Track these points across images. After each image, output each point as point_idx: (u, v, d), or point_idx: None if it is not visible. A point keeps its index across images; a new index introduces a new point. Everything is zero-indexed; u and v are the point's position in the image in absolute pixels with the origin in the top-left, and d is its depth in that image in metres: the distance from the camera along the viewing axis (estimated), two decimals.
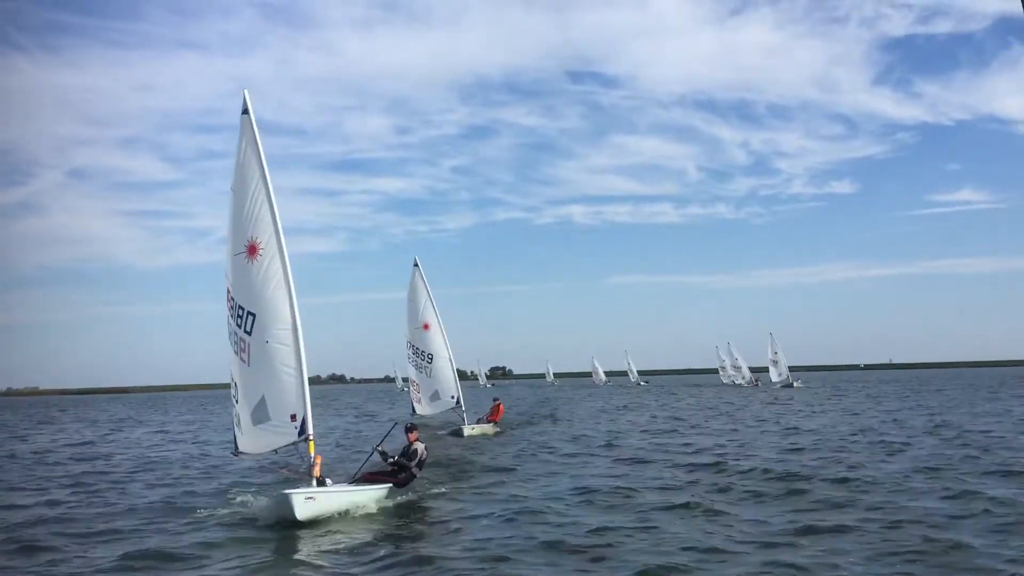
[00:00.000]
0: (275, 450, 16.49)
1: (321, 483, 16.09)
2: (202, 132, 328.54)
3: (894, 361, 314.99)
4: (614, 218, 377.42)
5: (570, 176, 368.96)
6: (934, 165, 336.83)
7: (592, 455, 25.78)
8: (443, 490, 18.95)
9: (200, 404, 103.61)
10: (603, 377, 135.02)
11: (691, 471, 21.05)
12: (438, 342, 35.59)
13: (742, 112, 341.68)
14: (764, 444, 27.51)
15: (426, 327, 35.65)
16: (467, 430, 33.93)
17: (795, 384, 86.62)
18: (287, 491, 15.08)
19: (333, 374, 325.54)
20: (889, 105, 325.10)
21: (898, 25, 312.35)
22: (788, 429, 33.77)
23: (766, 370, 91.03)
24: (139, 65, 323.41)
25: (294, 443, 15.96)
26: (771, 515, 14.91)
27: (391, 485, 17.43)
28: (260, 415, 16.29)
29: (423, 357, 35.75)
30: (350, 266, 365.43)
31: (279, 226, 15.98)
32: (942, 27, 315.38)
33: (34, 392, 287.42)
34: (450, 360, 35.54)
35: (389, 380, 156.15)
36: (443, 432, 35.10)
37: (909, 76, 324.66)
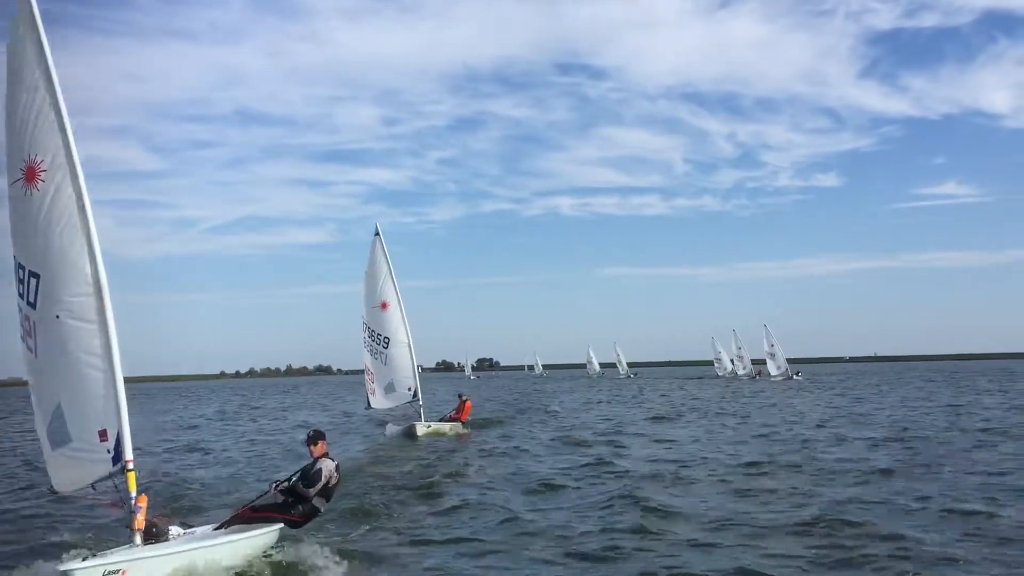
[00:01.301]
0: (91, 486, 10.50)
1: (153, 535, 10.18)
2: (189, 122, 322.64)
3: (878, 354, 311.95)
4: (601, 210, 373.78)
5: (558, 168, 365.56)
6: (919, 159, 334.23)
7: (573, 469, 20.02)
8: (343, 539, 12.34)
9: (193, 395, 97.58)
10: (597, 368, 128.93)
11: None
12: (396, 324, 29.73)
13: (729, 105, 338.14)
14: None
15: (384, 306, 29.77)
16: (421, 428, 28.42)
17: (795, 376, 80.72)
18: (69, 567, 8.95)
19: (320, 365, 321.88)
20: (875, 99, 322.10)
21: (885, 19, 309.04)
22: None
23: (764, 362, 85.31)
24: (127, 54, 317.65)
25: (109, 475, 10.23)
26: None
27: (281, 526, 11.48)
28: (59, 434, 10.60)
29: (379, 341, 29.85)
30: (337, 257, 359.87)
31: (71, 140, 10.38)
32: (928, 21, 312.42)
33: (18, 383, 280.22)
34: (409, 346, 29.68)
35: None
36: (389, 431, 29.77)
37: (895, 70, 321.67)
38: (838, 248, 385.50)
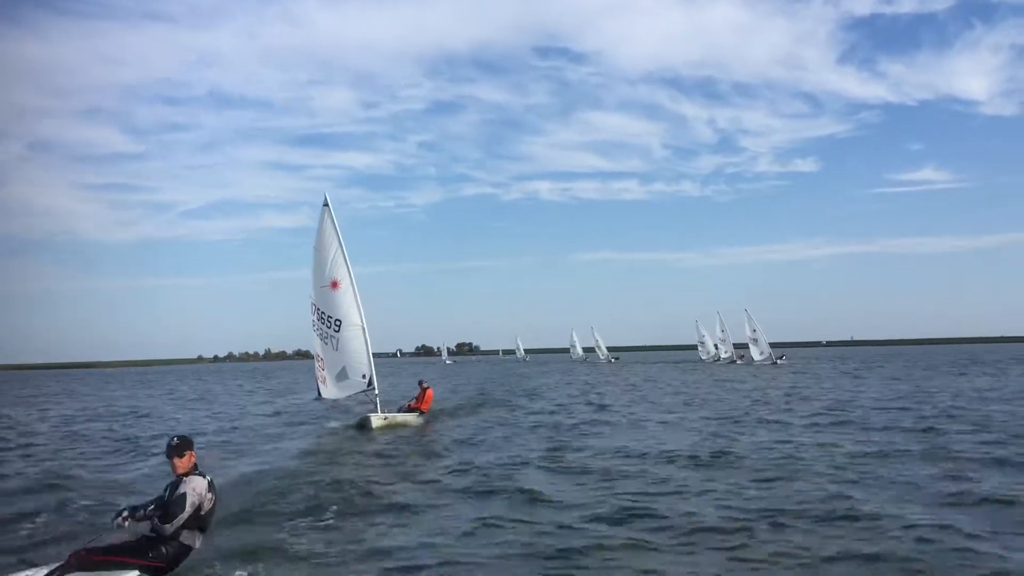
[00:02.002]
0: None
1: None
2: (166, 104, 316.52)
3: (855, 338, 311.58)
4: (581, 194, 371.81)
5: (537, 152, 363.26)
6: (897, 144, 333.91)
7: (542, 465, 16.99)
8: None
9: (184, 378, 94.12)
10: (580, 352, 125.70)
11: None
12: (348, 304, 26.38)
13: (708, 90, 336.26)
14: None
15: (335, 285, 26.38)
16: (376, 420, 25.28)
17: (779, 361, 78.07)
18: None
19: (299, 350, 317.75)
20: (853, 84, 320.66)
21: (863, 4, 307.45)
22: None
23: (746, 347, 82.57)
24: (104, 36, 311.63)
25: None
26: None
27: None
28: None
29: (329, 324, 26.53)
30: (313, 241, 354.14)
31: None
32: (906, 6, 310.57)
33: (20, 367, 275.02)
34: (363, 328, 26.34)
35: None
36: (338, 423, 26.84)
37: (873, 55, 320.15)
38: (816, 233, 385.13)
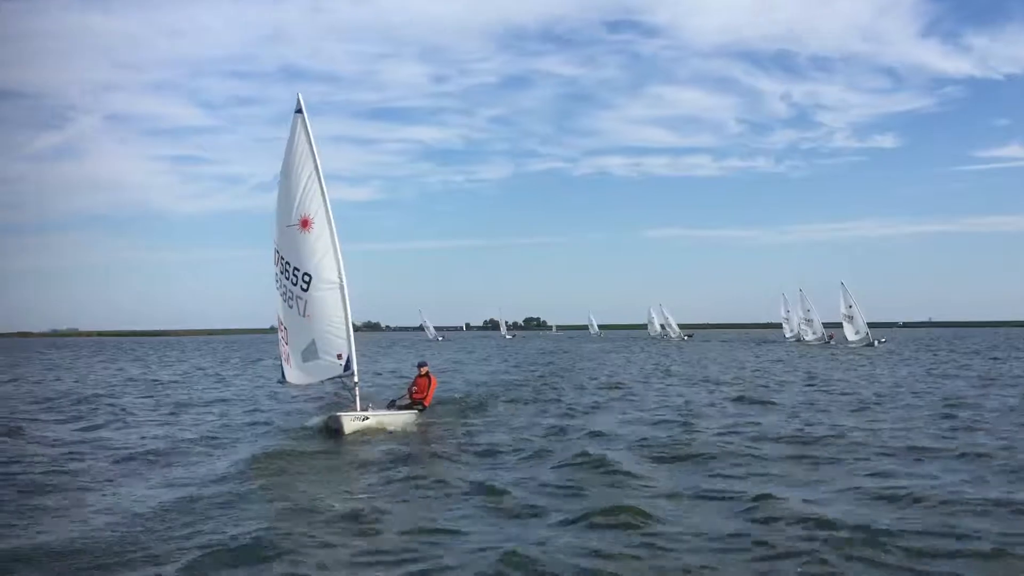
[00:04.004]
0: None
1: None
2: (234, 78, 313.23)
3: (933, 319, 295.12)
4: (652, 170, 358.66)
5: (608, 127, 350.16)
6: (982, 120, 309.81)
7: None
8: None
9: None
10: (659, 329, 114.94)
11: None
12: (322, 251, 18.14)
13: (783, 63, 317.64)
14: None
15: (305, 224, 18.05)
16: (349, 421, 17.22)
17: (877, 343, 67.34)
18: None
19: (368, 321, 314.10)
20: (936, 58, 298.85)
21: None
22: None
23: (839, 326, 71.91)
24: (171, 10, 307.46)
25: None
26: None
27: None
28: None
29: (295, 279, 18.27)
30: (385, 215, 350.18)
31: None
32: None
33: (75, 333, 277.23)
34: (341, 287, 17.95)
35: (421, 329, 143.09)
36: (319, 420, 18.64)
37: (958, 28, 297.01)
38: (894, 211, 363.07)
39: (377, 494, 11.76)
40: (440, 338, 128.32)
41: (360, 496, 11.69)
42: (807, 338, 79.25)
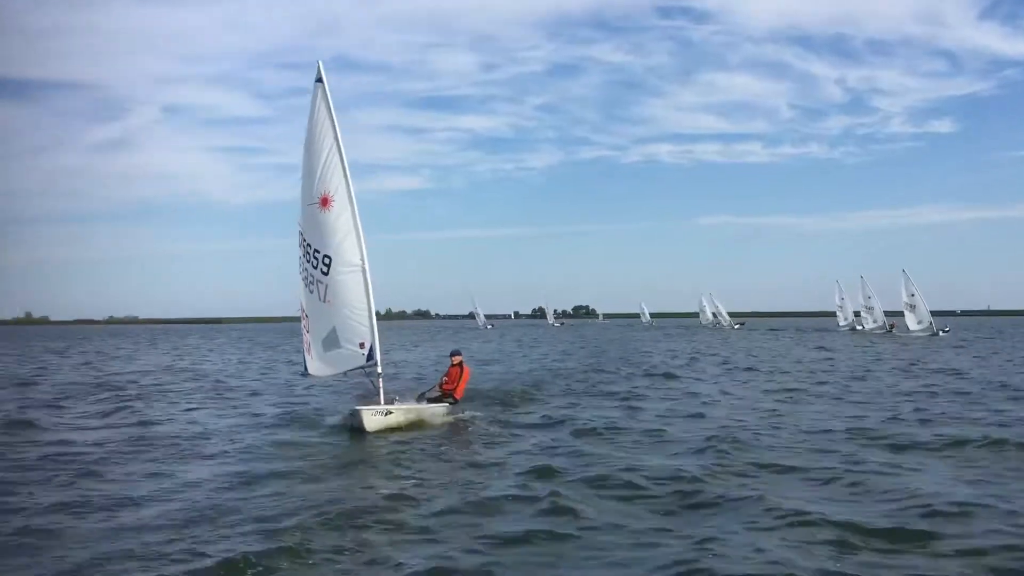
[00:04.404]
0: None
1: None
2: (288, 69, 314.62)
3: (992, 308, 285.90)
4: (702, 157, 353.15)
5: (658, 114, 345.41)
6: None
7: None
8: None
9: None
10: (710, 317, 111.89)
11: None
12: (344, 231, 16.53)
13: (838, 48, 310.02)
14: None
15: (325, 202, 16.46)
16: (370, 417, 15.66)
17: (940, 332, 64.12)
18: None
19: (418, 309, 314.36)
20: (996, 40, 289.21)
21: None
22: None
23: (900, 315, 68.75)
24: (228, 3, 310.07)
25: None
26: None
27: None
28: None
29: (315, 262, 16.74)
30: (435, 204, 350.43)
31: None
32: None
33: (134, 321, 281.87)
34: (364, 270, 16.30)
35: (471, 317, 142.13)
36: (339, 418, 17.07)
37: (1018, 10, 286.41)
38: (951, 197, 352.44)
39: (394, 502, 10.32)
40: (489, 326, 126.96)
41: (378, 503, 10.26)
42: (867, 326, 76.12)
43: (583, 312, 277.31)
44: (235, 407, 20.67)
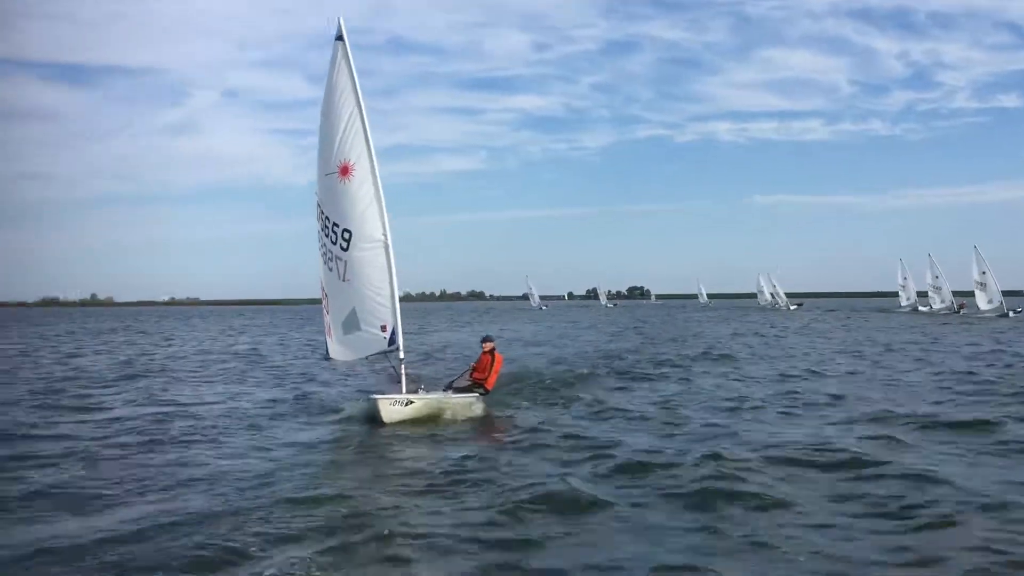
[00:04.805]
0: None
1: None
2: None
3: None
4: (759, 135, 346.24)
5: (714, 92, 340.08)
6: None
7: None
8: None
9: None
10: (768, 298, 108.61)
11: None
12: (365, 203, 14.89)
13: (901, 21, 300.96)
14: None
15: (345, 171, 14.88)
16: (388, 407, 14.13)
17: (1011, 313, 60.44)
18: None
19: (472, 290, 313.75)
20: None
21: None
22: None
23: (971, 294, 65.27)
24: None
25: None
26: None
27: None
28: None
29: (335, 236, 15.22)
30: (488, 184, 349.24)
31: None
32: None
33: (195, 302, 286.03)
34: (386, 246, 14.74)
35: (525, 298, 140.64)
36: (353, 407, 15.57)
37: None
38: (1018, 173, 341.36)
39: (412, 507, 8.91)
40: (544, 307, 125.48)
41: (394, 508, 8.85)
42: (934, 306, 72.55)
43: (638, 293, 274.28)
44: (251, 388, 19.52)
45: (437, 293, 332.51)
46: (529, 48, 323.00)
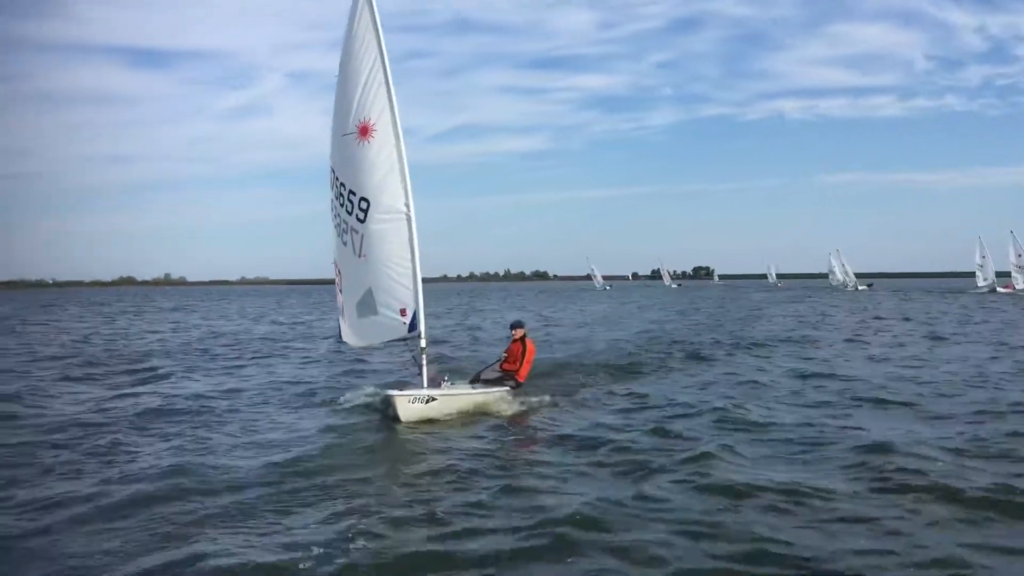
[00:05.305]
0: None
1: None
2: (406, 32, 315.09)
3: None
4: (829, 112, 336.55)
5: (782, 68, 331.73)
6: None
7: None
8: None
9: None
10: (840, 278, 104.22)
11: None
12: (386, 168, 12.92)
13: None
14: None
15: (364, 132, 12.89)
16: (405, 404, 12.13)
17: None
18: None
19: (536, 271, 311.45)
20: None
21: None
22: None
23: None
24: None
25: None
26: None
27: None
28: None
29: (351, 206, 13.25)
30: (552, 164, 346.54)
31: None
32: None
33: (265, 281, 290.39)
34: (408, 218, 12.70)
35: (588, 278, 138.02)
36: (360, 397, 14.05)
37: None
38: None
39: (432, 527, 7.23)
40: (608, 287, 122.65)
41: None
42: (1018, 286, 67.92)
43: (703, 273, 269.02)
44: (263, 374, 17.87)
45: (500, 273, 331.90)
46: (594, 26, 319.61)
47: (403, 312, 12.75)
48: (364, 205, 12.85)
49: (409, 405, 11.99)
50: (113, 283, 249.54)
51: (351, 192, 13.05)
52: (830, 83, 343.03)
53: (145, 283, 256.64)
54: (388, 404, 12.07)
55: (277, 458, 9.69)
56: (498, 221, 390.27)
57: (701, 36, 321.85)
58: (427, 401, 12.18)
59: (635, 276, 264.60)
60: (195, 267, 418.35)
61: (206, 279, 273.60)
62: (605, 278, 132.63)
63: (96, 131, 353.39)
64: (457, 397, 12.79)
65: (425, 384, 12.62)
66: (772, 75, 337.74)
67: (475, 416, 12.52)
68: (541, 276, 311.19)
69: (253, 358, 22.01)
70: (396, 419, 11.86)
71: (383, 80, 12.79)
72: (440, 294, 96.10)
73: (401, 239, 12.74)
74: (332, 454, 10.03)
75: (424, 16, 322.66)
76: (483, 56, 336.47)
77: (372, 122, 12.77)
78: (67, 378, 17.59)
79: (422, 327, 12.69)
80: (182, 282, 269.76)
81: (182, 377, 17.58)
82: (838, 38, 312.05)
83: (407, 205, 12.69)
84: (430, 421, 12.02)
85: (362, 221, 12.89)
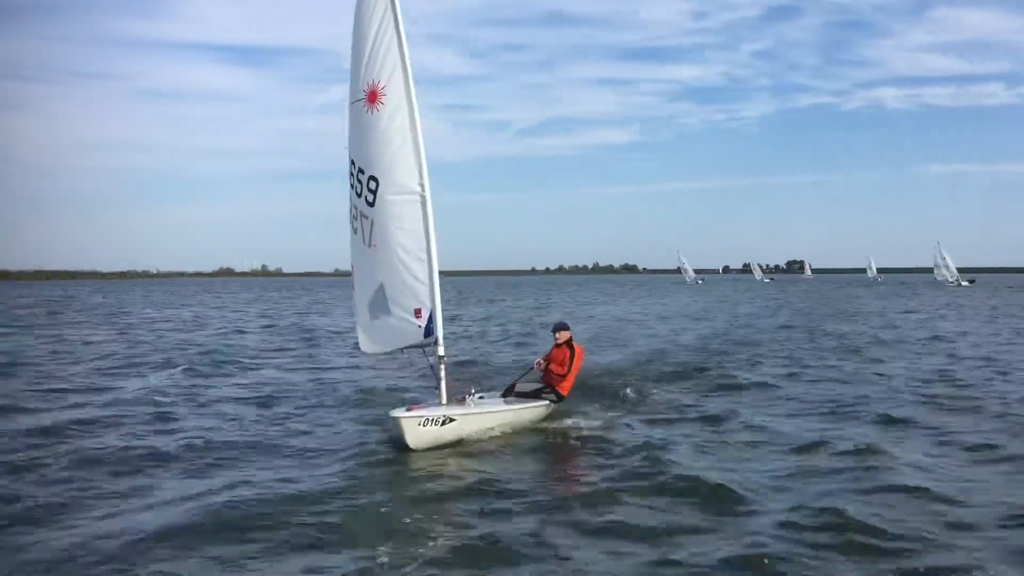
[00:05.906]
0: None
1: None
2: (501, 25, 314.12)
3: None
4: (933, 100, 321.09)
5: (883, 56, 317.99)
6: None
7: None
8: None
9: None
10: (945, 274, 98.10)
11: None
12: (399, 141, 10.66)
13: None
14: None
15: (373, 97, 10.73)
16: (414, 428, 9.82)
17: None
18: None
19: (626, 264, 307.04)
20: None
21: None
22: None
23: None
24: None
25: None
26: None
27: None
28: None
29: (359, 186, 11.11)
30: (644, 156, 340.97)
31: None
32: None
33: (341, 274, 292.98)
34: (423, 199, 10.43)
35: (678, 271, 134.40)
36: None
37: None
38: None
39: None
40: (700, 280, 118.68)
41: None
42: None
43: (797, 267, 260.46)
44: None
45: (590, 266, 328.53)
46: (687, 16, 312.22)
47: (417, 313, 10.54)
48: (373, 185, 10.73)
49: (419, 429, 9.72)
50: (213, 274, 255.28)
51: (360, 171, 10.96)
52: (933, 71, 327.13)
53: (244, 274, 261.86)
54: (396, 428, 9.81)
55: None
56: (588, 212, 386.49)
57: (798, 24, 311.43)
58: (443, 423, 9.89)
59: (726, 270, 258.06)
60: (292, 259, 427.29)
61: (301, 271, 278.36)
62: (696, 272, 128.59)
63: (195, 125, 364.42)
64: (480, 416, 10.50)
65: (443, 400, 10.35)
66: (872, 63, 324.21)
67: (503, 439, 10.21)
68: (630, 269, 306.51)
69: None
70: (404, 445, 9.61)
71: (394, 35, 10.66)
72: (527, 287, 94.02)
73: (415, 225, 10.56)
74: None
75: (519, 9, 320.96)
76: (575, 48, 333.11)
77: (381, 85, 10.66)
78: None
79: (439, 331, 10.42)
80: (279, 273, 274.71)
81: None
82: (943, 23, 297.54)
83: (421, 184, 10.52)
84: (445, 444, 9.76)
85: (371, 204, 10.76)
